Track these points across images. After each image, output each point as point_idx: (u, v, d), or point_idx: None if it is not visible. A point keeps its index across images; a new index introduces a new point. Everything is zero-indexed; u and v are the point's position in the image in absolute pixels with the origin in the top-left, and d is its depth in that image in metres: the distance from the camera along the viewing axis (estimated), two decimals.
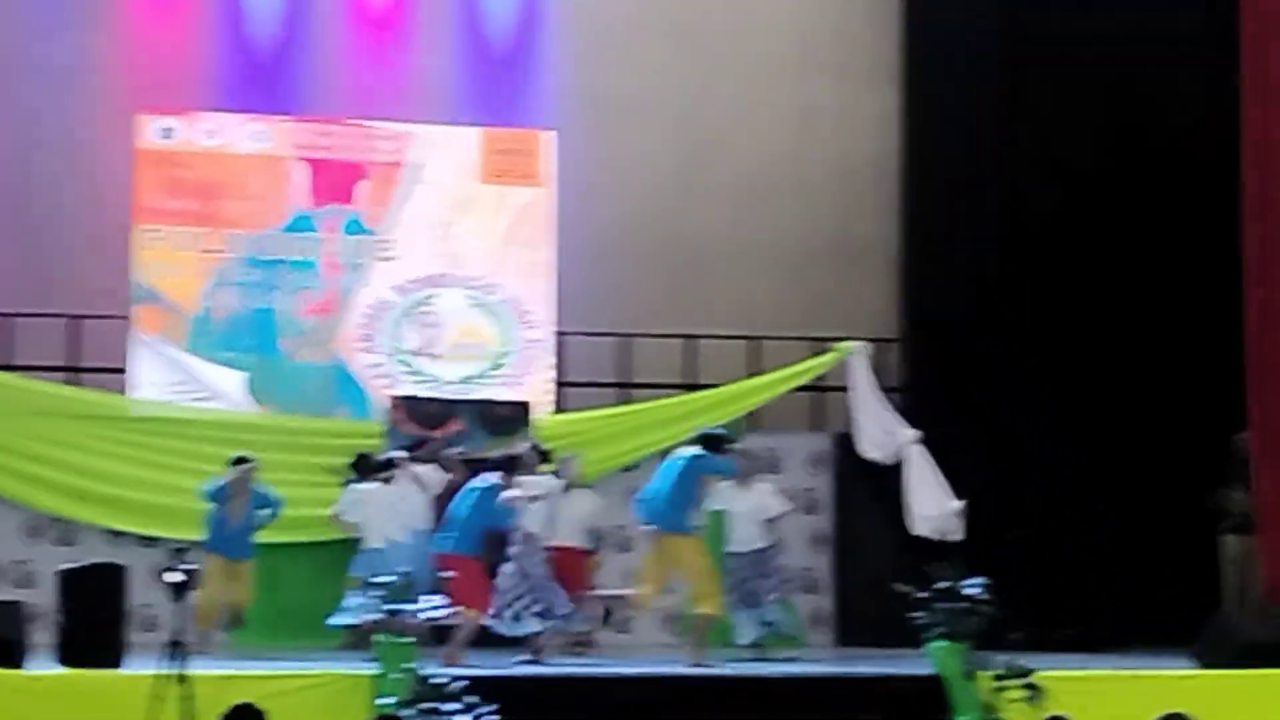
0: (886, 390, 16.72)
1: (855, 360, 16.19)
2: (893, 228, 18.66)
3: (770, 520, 15.45)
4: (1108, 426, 17.01)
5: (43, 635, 12.89)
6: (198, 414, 16.80)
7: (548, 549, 14.89)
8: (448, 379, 17.61)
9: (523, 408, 16.98)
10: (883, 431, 15.86)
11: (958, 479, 15.48)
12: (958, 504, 15.26)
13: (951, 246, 18.04)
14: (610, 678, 12.96)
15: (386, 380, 17.48)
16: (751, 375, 17.46)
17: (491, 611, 14.02)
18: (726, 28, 18.76)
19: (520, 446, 15.31)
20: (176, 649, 10.72)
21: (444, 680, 11.67)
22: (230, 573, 14.89)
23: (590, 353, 17.93)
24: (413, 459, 15.79)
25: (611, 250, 18.15)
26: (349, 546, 15.51)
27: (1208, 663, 13.48)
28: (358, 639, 14.48)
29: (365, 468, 15.52)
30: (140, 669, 11.42)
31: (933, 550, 14.22)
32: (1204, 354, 16.50)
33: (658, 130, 18.52)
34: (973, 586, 12.71)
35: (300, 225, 17.57)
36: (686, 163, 18.58)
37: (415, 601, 12.39)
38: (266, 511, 15.15)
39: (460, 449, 16.15)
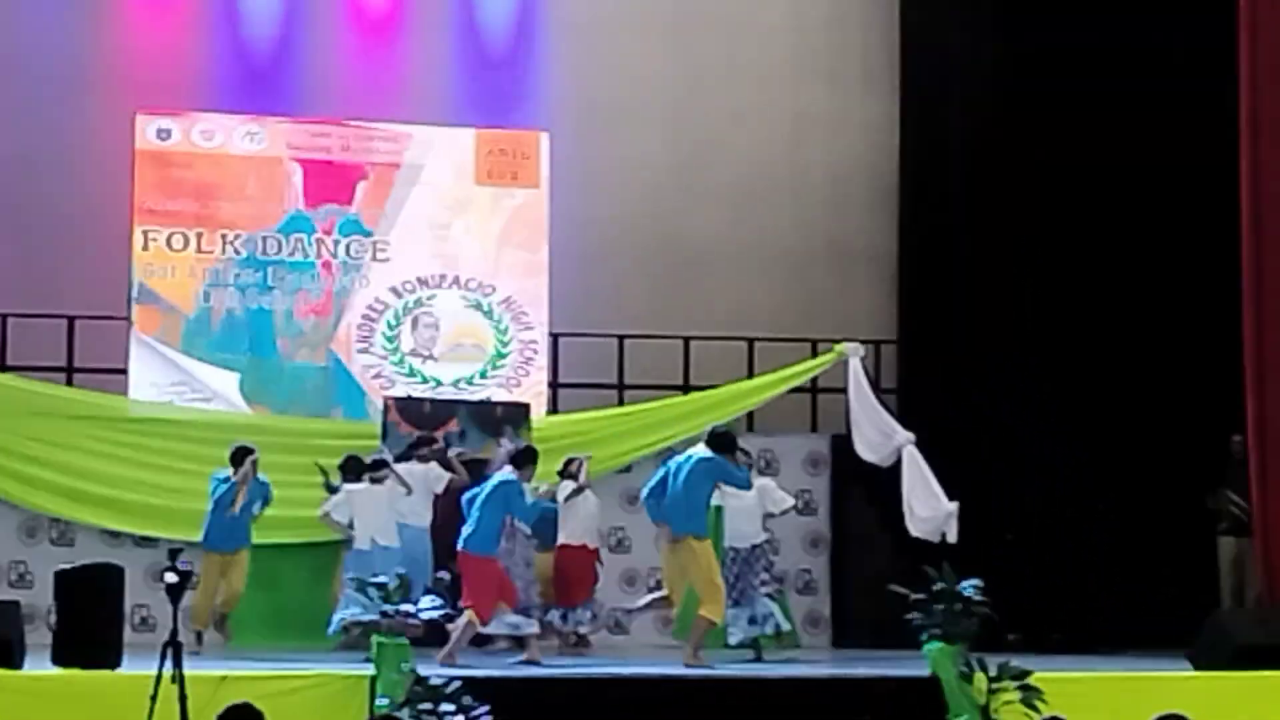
0: (883, 392, 16.74)
1: (852, 362, 16.18)
2: (889, 229, 18.68)
3: (777, 513, 15.50)
4: (1104, 428, 17.02)
5: (40, 636, 12.89)
6: (196, 415, 16.81)
7: (559, 547, 14.93)
8: (444, 380, 17.61)
9: (522, 408, 16.98)
10: (879, 433, 15.85)
11: (954, 480, 15.47)
12: (953, 505, 15.26)
13: (947, 248, 18.06)
14: (606, 679, 12.94)
15: (383, 381, 17.49)
16: (747, 377, 17.46)
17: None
18: (722, 31, 18.79)
19: (505, 446, 15.31)
20: (173, 649, 10.70)
21: (440, 681, 11.66)
22: (227, 565, 14.91)
23: (585, 354, 17.94)
24: (415, 457, 15.77)
25: (606, 252, 18.17)
26: (345, 548, 15.50)
27: (1204, 664, 13.47)
28: (353, 640, 14.51)
29: (354, 469, 15.50)
30: (137, 669, 11.40)
31: (929, 552, 14.20)
32: (1201, 356, 16.52)
33: (653, 132, 18.53)
34: (969, 588, 12.71)
35: (297, 226, 17.58)
36: (682, 165, 18.60)
37: (413, 602, 12.39)
38: (257, 504, 15.16)
39: (460, 450, 16.15)
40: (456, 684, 11.63)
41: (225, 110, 17.65)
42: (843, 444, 16.81)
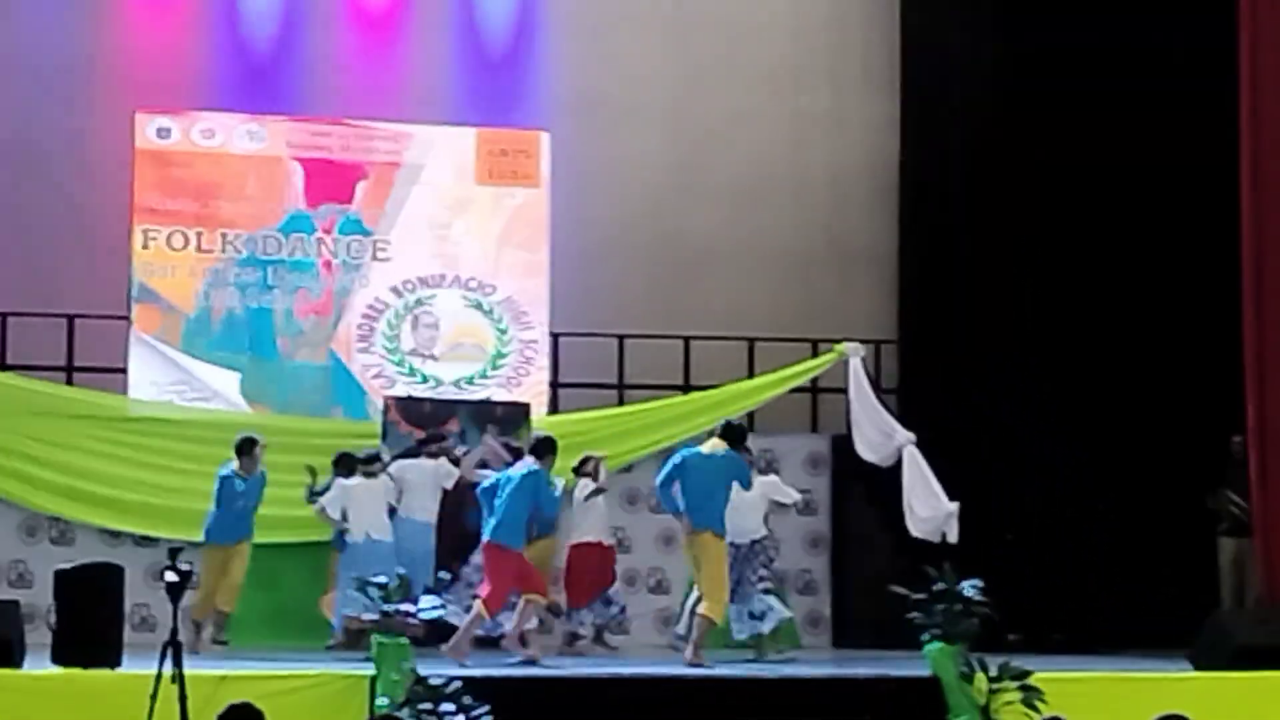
0: (883, 392, 16.74)
1: (852, 362, 16.18)
2: (889, 229, 18.68)
3: (788, 504, 15.52)
4: (1105, 429, 17.02)
5: (40, 635, 12.89)
6: (195, 414, 16.80)
7: (574, 546, 14.93)
8: (444, 379, 17.61)
9: (522, 408, 16.98)
10: (880, 433, 15.84)
11: (954, 481, 15.47)
12: (954, 506, 15.25)
13: (947, 248, 18.06)
14: (606, 679, 12.95)
15: (383, 380, 17.49)
16: (748, 377, 17.46)
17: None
18: (722, 31, 18.79)
19: (490, 442, 15.31)
20: (174, 649, 10.70)
21: (440, 681, 11.66)
22: (229, 557, 14.88)
23: (585, 354, 17.93)
24: (424, 454, 15.78)
25: (607, 252, 18.17)
26: (338, 543, 15.48)
27: (1204, 665, 13.48)
28: (353, 639, 14.52)
29: (347, 464, 15.50)
30: (137, 669, 11.41)
31: (929, 552, 14.20)
32: (1202, 357, 16.51)
33: (653, 132, 18.53)
34: (969, 588, 12.71)
35: (297, 225, 17.57)
36: (682, 164, 18.60)
37: (413, 601, 12.39)
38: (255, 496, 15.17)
39: (465, 448, 16.14)
40: (457, 684, 11.63)
41: (225, 109, 17.64)
42: (843, 444, 16.81)
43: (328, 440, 16.39)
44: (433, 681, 11.65)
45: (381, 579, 12.44)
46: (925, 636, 12.69)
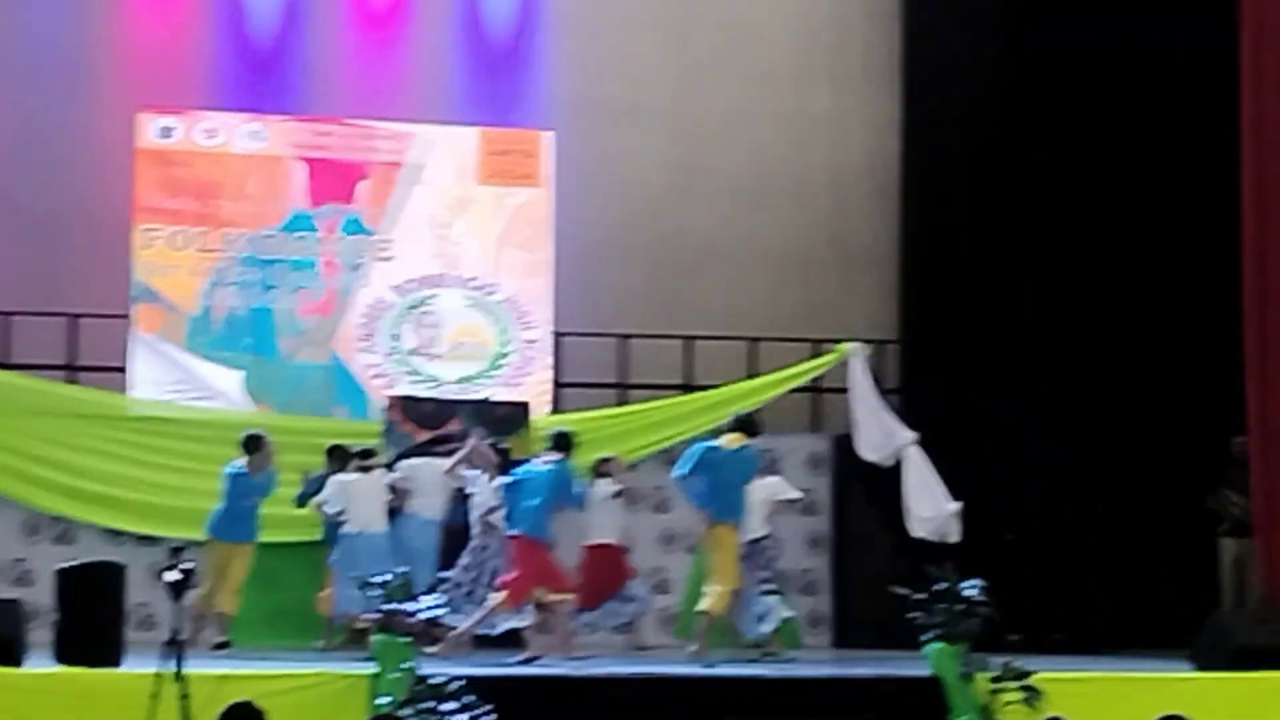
0: (885, 392, 16.75)
1: (854, 362, 16.20)
2: (891, 229, 18.70)
3: (793, 499, 15.55)
4: (1106, 428, 17.03)
5: (41, 634, 12.88)
6: (197, 414, 16.82)
7: (590, 547, 14.95)
8: (446, 379, 17.62)
9: (522, 408, 16.99)
10: (881, 433, 15.87)
11: (956, 480, 15.49)
12: (955, 505, 15.26)
13: (948, 248, 18.07)
14: (606, 679, 12.94)
15: (385, 380, 17.51)
16: (749, 376, 17.47)
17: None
18: (724, 31, 18.80)
19: (470, 443, 15.32)
20: (175, 647, 10.70)
21: (442, 680, 11.67)
22: (230, 556, 14.87)
23: (587, 353, 17.94)
24: (433, 453, 15.80)
25: (608, 251, 18.18)
26: (331, 539, 15.48)
27: (1205, 665, 13.48)
28: (352, 636, 14.54)
29: (340, 457, 15.51)
30: (138, 668, 11.40)
31: (931, 552, 14.21)
32: (1203, 357, 16.52)
33: (655, 132, 18.55)
34: (970, 588, 12.71)
35: (299, 225, 17.59)
36: (684, 164, 18.61)
37: (414, 599, 12.40)
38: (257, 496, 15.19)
39: (490, 440, 16.09)
40: (459, 683, 11.64)
41: (227, 109, 17.66)
42: (844, 444, 16.82)
43: (329, 439, 16.35)
44: (434, 680, 11.65)
45: (382, 577, 12.44)
46: (926, 636, 12.69)
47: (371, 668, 11.93)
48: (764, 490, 15.15)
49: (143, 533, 16.17)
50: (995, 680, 12.40)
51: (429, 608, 12.48)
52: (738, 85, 18.75)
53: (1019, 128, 17.61)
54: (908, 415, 16.38)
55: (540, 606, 14.24)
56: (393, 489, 15.43)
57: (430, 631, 13.22)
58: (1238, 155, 14.88)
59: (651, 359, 17.96)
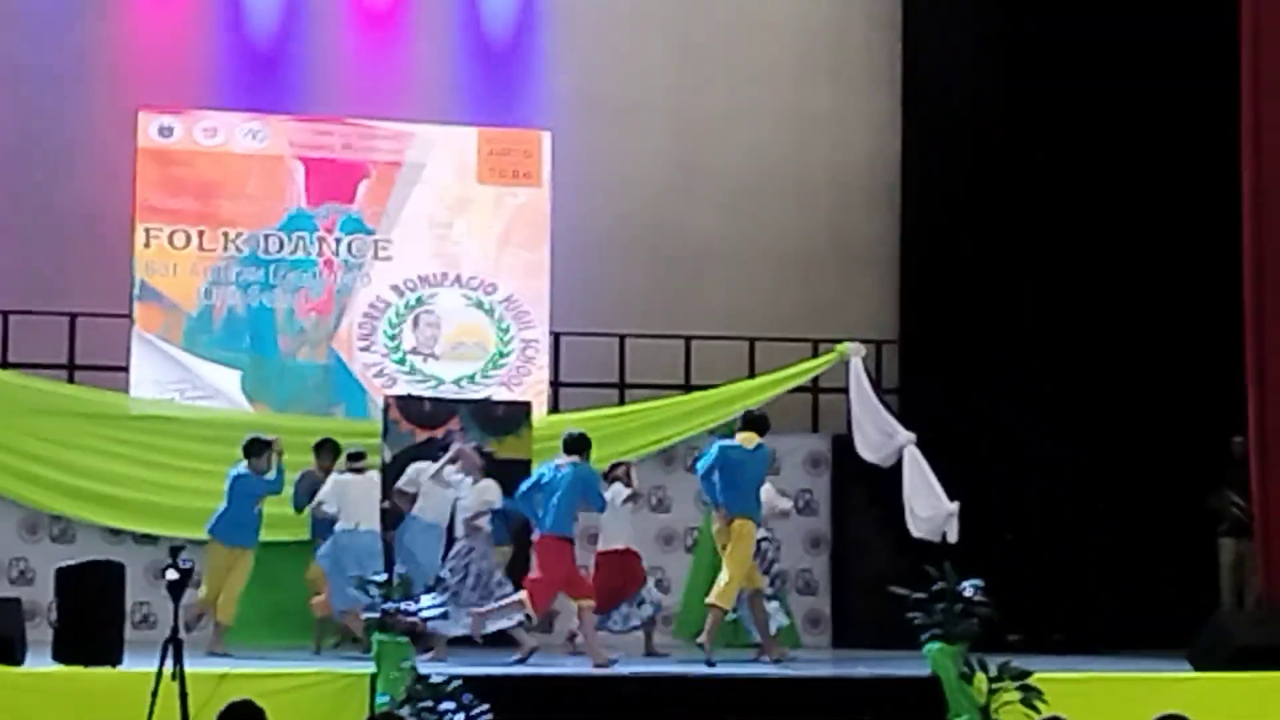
0: (884, 392, 16.75)
1: (853, 362, 16.19)
2: (891, 229, 18.70)
3: (787, 509, 15.55)
4: (1104, 428, 17.02)
5: (41, 633, 12.90)
6: (197, 413, 16.81)
7: (602, 553, 14.95)
8: (445, 378, 17.62)
9: (522, 407, 16.98)
10: (880, 433, 15.86)
11: (955, 480, 15.48)
12: (954, 506, 15.26)
13: (948, 248, 18.06)
14: (606, 678, 12.96)
15: (384, 379, 17.50)
16: (749, 376, 17.46)
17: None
18: (724, 30, 18.80)
19: (456, 445, 15.32)
20: (174, 647, 10.71)
21: (441, 679, 11.67)
22: (231, 560, 14.82)
23: (586, 353, 17.94)
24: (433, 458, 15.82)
25: (608, 251, 18.18)
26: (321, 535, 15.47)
27: (1204, 665, 13.48)
28: (346, 634, 14.54)
29: (331, 450, 15.50)
30: (138, 667, 11.43)
31: (930, 552, 14.21)
32: (1202, 357, 16.51)
33: (654, 131, 18.55)
34: (970, 588, 12.72)
35: (299, 224, 17.58)
36: (683, 164, 18.61)
37: (414, 599, 12.41)
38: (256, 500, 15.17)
39: (475, 443, 16.09)
40: (457, 682, 11.64)
41: (227, 108, 17.65)
42: (844, 444, 16.82)
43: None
44: (433, 680, 11.66)
45: (378, 576, 12.45)
46: (925, 636, 12.69)
47: (370, 667, 11.94)
48: (764, 493, 15.16)
49: (142, 532, 16.19)
50: (994, 680, 12.40)
51: (429, 608, 12.49)
52: (738, 84, 18.76)
53: (1019, 128, 17.60)
54: (907, 415, 16.37)
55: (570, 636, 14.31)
56: (400, 492, 15.43)
57: (425, 640, 13.24)
58: (1238, 155, 14.88)
59: (651, 359, 17.96)
